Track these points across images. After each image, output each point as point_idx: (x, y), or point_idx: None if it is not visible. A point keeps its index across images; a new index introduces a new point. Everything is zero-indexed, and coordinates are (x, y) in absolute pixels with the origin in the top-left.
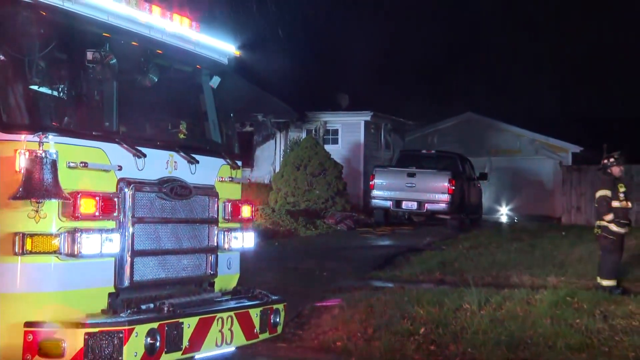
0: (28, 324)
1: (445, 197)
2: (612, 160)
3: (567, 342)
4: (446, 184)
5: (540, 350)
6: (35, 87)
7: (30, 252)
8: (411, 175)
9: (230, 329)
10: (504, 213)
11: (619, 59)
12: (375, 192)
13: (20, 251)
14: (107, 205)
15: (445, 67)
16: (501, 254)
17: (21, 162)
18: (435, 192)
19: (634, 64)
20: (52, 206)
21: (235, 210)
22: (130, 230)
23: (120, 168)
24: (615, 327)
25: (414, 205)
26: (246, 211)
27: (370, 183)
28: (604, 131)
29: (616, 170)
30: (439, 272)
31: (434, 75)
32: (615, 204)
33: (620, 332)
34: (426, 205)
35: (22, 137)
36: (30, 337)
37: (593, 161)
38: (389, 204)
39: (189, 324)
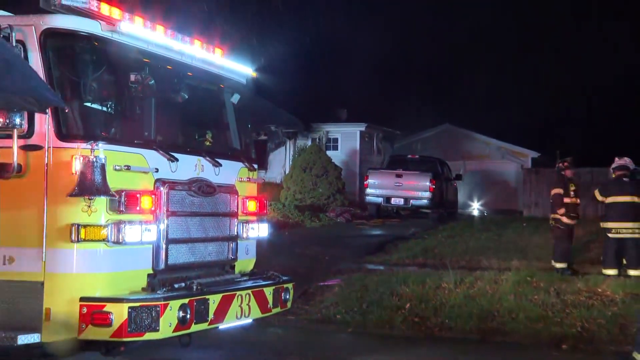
0: (83, 299)
1: (427, 194)
2: (564, 164)
3: (527, 314)
4: (428, 184)
5: (505, 321)
6: (88, 104)
7: (84, 240)
8: (399, 176)
9: (248, 304)
10: (475, 208)
11: (573, 78)
12: (369, 190)
13: (76, 239)
14: (146, 201)
15: (427, 83)
16: (473, 242)
17: (76, 166)
18: (418, 190)
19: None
20: (101, 202)
21: (252, 206)
22: (165, 222)
23: (157, 170)
24: (566, 301)
25: (401, 201)
26: (261, 206)
27: (365, 182)
28: (558, 140)
29: (568, 172)
30: (421, 257)
31: (418, 90)
32: (566, 200)
33: (570, 306)
34: (411, 201)
35: (78, 145)
36: (85, 309)
37: (549, 165)
38: (380, 200)
39: (214, 300)
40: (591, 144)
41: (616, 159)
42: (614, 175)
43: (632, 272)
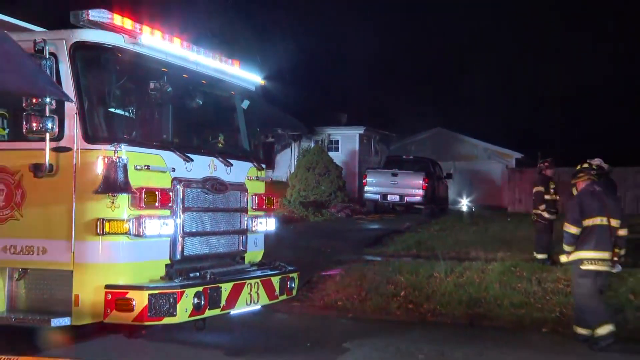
0: (107, 286)
1: (421, 191)
2: (545, 164)
3: (511, 300)
4: (421, 182)
5: (491, 307)
6: (112, 109)
7: (108, 233)
8: (395, 175)
9: (257, 292)
10: (464, 204)
11: (554, 84)
12: (367, 188)
13: (101, 232)
14: (164, 198)
15: (421, 89)
16: (462, 235)
17: (101, 166)
18: (413, 187)
19: (565, 88)
20: (123, 199)
21: (261, 202)
22: (181, 216)
23: (174, 170)
24: (546, 289)
25: (396, 198)
26: (269, 202)
27: (364, 181)
28: (539, 142)
29: (548, 172)
30: (415, 249)
31: (412, 96)
32: (547, 197)
33: (550, 293)
34: (406, 198)
35: (102, 147)
36: (109, 296)
37: (531, 165)
38: (377, 197)
39: (226, 288)
40: (569, 146)
41: (590, 160)
42: (540, 174)
43: None
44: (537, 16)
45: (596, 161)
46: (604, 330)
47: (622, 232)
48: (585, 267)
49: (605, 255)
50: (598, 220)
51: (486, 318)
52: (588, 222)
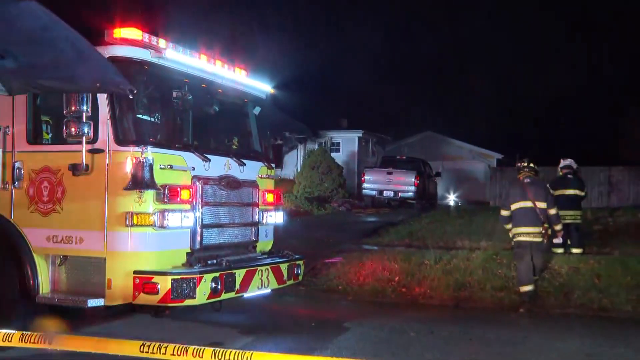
0: (136, 272)
1: (413, 188)
2: (523, 164)
3: (493, 285)
4: (413, 180)
5: (475, 291)
6: (139, 116)
7: (136, 225)
8: (389, 173)
9: (267, 277)
10: (451, 199)
11: (533, 91)
12: (365, 185)
13: (130, 224)
14: (185, 194)
15: (412, 96)
16: (450, 227)
17: (130, 165)
18: (405, 184)
19: (542, 93)
20: (149, 194)
21: (270, 197)
22: (200, 210)
23: (193, 169)
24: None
25: (391, 194)
26: (277, 198)
27: (362, 179)
28: (518, 144)
29: (522, 175)
30: (408, 239)
31: (405, 102)
32: None
33: (527, 294)
34: (399, 193)
35: (131, 148)
36: (137, 280)
37: (510, 164)
38: (374, 192)
39: (240, 274)
40: (545, 148)
41: (561, 160)
42: (560, 173)
43: (574, 250)
44: (520, 23)
45: (567, 161)
46: (526, 289)
47: (552, 212)
48: (517, 239)
49: (533, 229)
50: (522, 204)
51: (471, 300)
52: (514, 206)
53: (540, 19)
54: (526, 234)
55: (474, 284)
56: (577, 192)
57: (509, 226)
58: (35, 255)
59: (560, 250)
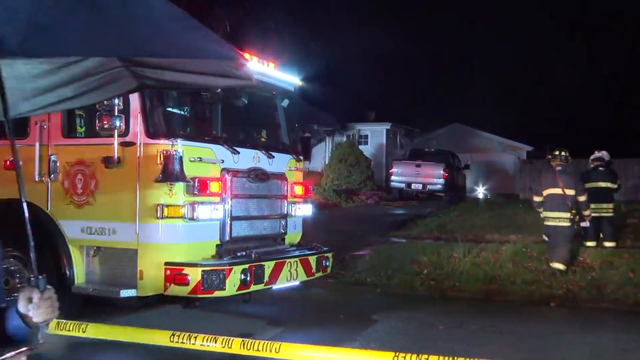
0: (167, 263)
1: (441, 180)
2: (556, 153)
3: (523, 278)
4: (441, 172)
5: (505, 284)
6: (169, 109)
7: (167, 217)
8: (418, 166)
9: (296, 270)
10: (480, 192)
11: (562, 82)
12: (393, 177)
13: (161, 216)
14: (215, 186)
15: (441, 87)
16: (479, 219)
17: (161, 158)
18: (434, 177)
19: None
20: (180, 187)
21: (299, 190)
22: (230, 202)
23: (223, 161)
24: (558, 268)
25: (419, 186)
26: (306, 190)
27: (390, 171)
28: (548, 136)
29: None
30: (436, 232)
31: (433, 94)
32: None
33: (556, 272)
34: (428, 186)
35: (162, 141)
36: (168, 271)
37: (540, 156)
38: (402, 185)
39: (269, 266)
40: (577, 139)
41: (596, 151)
42: (591, 165)
43: (607, 244)
44: (550, 15)
45: (600, 153)
46: (556, 266)
47: (581, 198)
48: (545, 223)
49: (559, 215)
50: (552, 190)
51: (500, 294)
52: (546, 192)
53: (572, 6)
54: (552, 218)
55: (504, 278)
56: (608, 184)
57: (541, 210)
58: (70, 247)
59: (592, 244)
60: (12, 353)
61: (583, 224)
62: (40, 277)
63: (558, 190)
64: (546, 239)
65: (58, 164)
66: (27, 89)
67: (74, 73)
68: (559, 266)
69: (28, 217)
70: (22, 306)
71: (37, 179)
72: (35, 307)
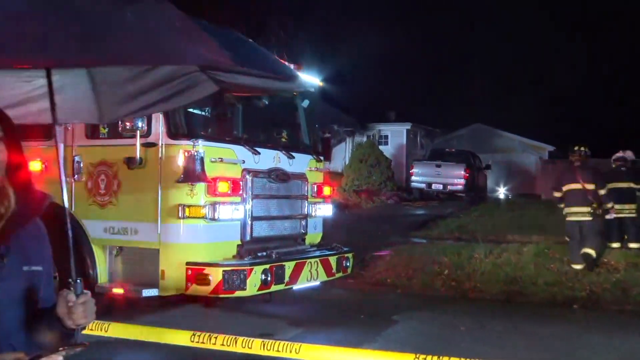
0: (188, 263)
1: (462, 181)
2: (575, 148)
3: (545, 279)
4: (462, 172)
5: (527, 285)
6: (190, 110)
7: (188, 217)
8: (438, 166)
9: (316, 270)
10: (501, 192)
11: (585, 82)
12: (414, 178)
13: (182, 216)
14: (235, 187)
15: (461, 87)
16: (500, 220)
17: (182, 159)
18: (455, 177)
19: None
20: (201, 187)
21: (319, 190)
22: (250, 203)
23: (243, 162)
24: (577, 269)
25: (440, 187)
26: (326, 191)
27: (411, 171)
28: (572, 135)
29: (574, 158)
30: (457, 232)
31: (454, 94)
32: None
33: (579, 273)
34: (448, 186)
35: (183, 142)
36: (190, 271)
37: (562, 157)
38: (423, 185)
39: (289, 266)
40: (598, 139)
41: (620, 152)
42: (614, 166)
43: (632, 245)
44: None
45: (622, 153)
46: (576, 267)
47: (602, 192)
48: (567, 219)
49: (581, 209)
50: (572, 186)
51: (522, 295)
52: (565, 188)
53: (594, 7)
54: (574, 213)
55: (525, 279)
56: (631, 184)
57: (562, 205)
58: (93, 246)
59: (617, 245)
60: (49, 354)
61: (608, 217)
62: (77, 281)
63: (578, 186)
64: (568, 239)
65: (82, 165)
66: (118, 94)
67: (157, 77)
68: (578, 267)
69: (55, 217)
70: (59, 309)
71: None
72: (70, 311)
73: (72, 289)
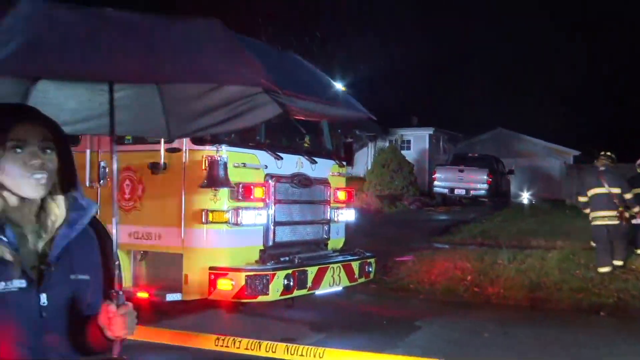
0: (211, 268)
1: (485, 186)
2: (600, 153)
3: (570, 286)
4: (485, 177)
5: (551, 292)
6: None
7: (211, 222)
8: (461, 171)
9: (339, 275)
10: (525, 197)
11: (610, 86)
12: (436, 183)
13: (205, 221)
14: (258, 192)
15: (484, 91)
16: (523, 225)
17: (205, 164)
18: (478, 182)
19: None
20: (224, 192)
21: (342, 195)
22: (273, 208)
23: (266, 167)
24: (603, 276)
25: (463, 192)
26: (349, 196)
27: (433, 176)
28: (598, 140)
29: (599, 163)
30: (480, 238)
31: (478, 98)
32: None
33: (606, 280)
34: (471, 191)
35: (206, 147)
36: (212, 276)
37: (587, 161)
38: (446, 190)
39: (312, 271)
40: (625, 145)
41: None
42: (638, 171)
43: None
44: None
45: None
46: (603, 270)
47: (628, 196)
48: (593, 223)
49: (607, 213)
50: (597, 190)
51: (546, 301)
52: (590, 192)
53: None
54: (601, 217)
55: (550, 285)
56: None
57: (588, 211)
58: (118, 251)
59: None
60: None
61: (634, 221)
62: (120, 292)
63: (603, 190)
64: (594, 245)
65: (107, 170)
66: (186, 112)
67: (222, 97)
68: (605, 269)
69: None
70: (100, 318)
71: (87, 185)
72: (111, 322)
73: (113, 299)
